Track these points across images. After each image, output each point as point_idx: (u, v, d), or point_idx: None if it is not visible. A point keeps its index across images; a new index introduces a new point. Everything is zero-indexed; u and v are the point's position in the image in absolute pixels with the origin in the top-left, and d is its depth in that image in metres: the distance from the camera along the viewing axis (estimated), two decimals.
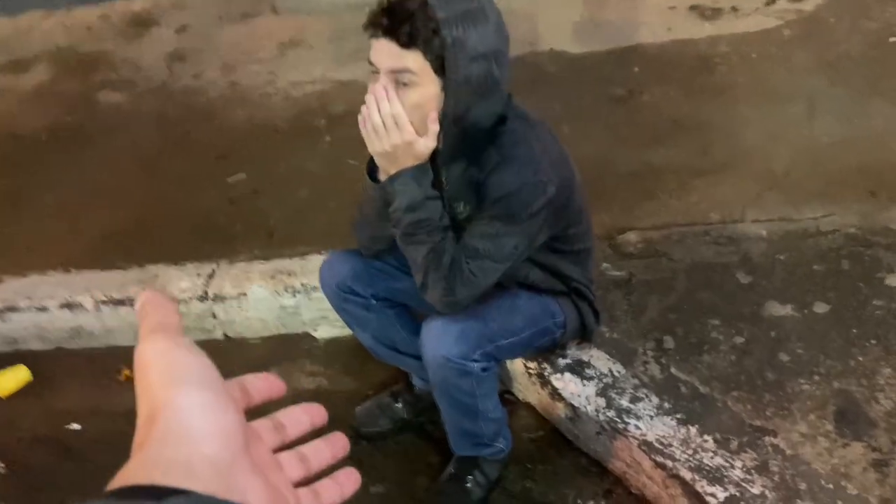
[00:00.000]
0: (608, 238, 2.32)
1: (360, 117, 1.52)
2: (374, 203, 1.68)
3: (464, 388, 1.69)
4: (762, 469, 1.67)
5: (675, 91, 2.92)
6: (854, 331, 1.93)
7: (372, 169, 1.66)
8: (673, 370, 1.93)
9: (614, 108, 2.93)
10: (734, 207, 2.36)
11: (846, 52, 2.93)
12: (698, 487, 1.66)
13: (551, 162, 1.58)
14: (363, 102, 1.49)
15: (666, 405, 1.85)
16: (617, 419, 1.84)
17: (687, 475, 1.69)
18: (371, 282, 1.89)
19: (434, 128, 1.50)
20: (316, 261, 2.51)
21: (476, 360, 1.65)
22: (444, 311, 1.63)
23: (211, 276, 2.56)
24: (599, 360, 1.98)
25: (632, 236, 2.32)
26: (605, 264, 2.23)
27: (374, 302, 1.90)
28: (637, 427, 1.81)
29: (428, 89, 1.47)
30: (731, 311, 2.04)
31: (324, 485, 0.50)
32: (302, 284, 2.47)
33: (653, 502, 1.80)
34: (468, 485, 1.90)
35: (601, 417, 1.86)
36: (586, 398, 1.91)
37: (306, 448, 0.51)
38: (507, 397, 2.17)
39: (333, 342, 2.51)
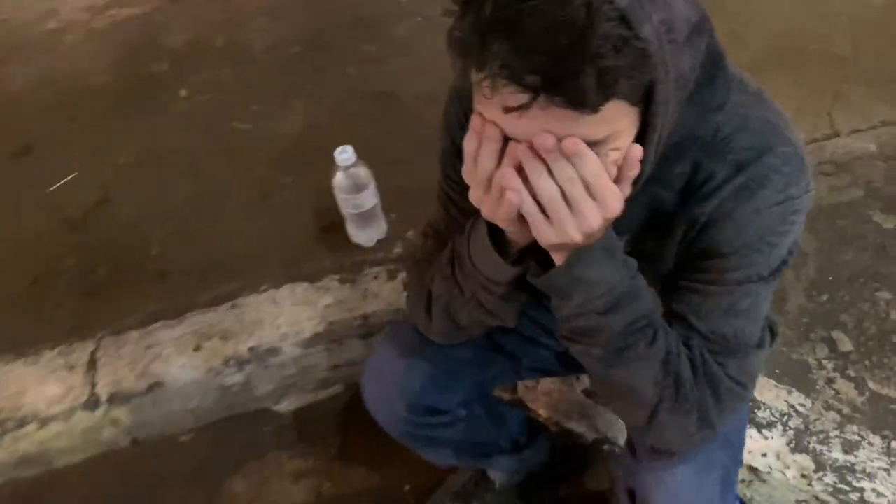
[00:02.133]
0: None
1: (495, 179, 0.73)
2: (492, 288, 0.89)
3: None
4: None
5: None
6: None
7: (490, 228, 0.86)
8: (872, 385, 1.38)
9: None
10: (818, 117, 1.77)
11: None
12: None
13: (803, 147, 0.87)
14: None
15: None
16: (843, 485, 1.27)
17: None
18: (455, 384, 1.11)
19: (634, 173, 0.73)
20: (260, 305, 1.63)
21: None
22: (683, 449, 0.92)
23: (92, 364, 1.60)
24: (767, 391, 1.38)
25: None
26: None
27: (462, 412, 1.14)
28: (878, 493, 1.26)
29: (627, 136, 0.71)
30: None
31: None
32: (250, 349, 1.60)
33: None
34: None
35: (816, 487, 1.28)
36: (777, 456, 1.31)
37: None
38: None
39: (306, 413, 1.69)
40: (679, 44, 0.68)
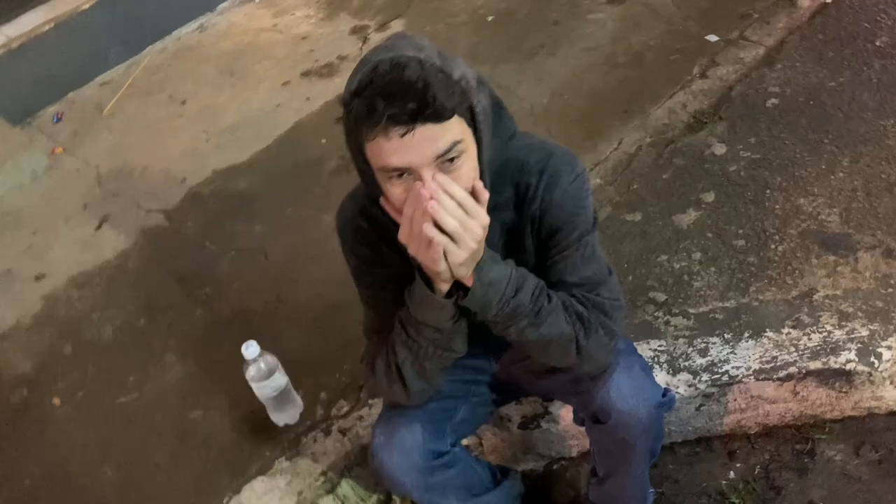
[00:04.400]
0: None
1: (406, 231, 1.12)
2: (442, 326, 1.26)
3: (661, 427, 1.42)
4: None
5: None
6: None
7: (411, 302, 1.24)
8: (692, 310, 1.87)
9: None
10: None
11: None
12: None
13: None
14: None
15: None
16: (714, 377, 1.72)
17: None
18: (441, 429, 1.46)
19: (486, 196, 1.16)
20: None
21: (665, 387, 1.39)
22: (608, 359, 1.31)
23: None
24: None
25: None
26: None
27: (456, 450, 1.48)
28: (736, 367, 1.72)
29: (472, 147, 1.14)
30: None
31: None
32: None
33: None
34: None
35: (701, 387, 1.72)
36: (665, 384, 1.74)
37: None
38: None
39: None
40: (475, 88, 1.13)
